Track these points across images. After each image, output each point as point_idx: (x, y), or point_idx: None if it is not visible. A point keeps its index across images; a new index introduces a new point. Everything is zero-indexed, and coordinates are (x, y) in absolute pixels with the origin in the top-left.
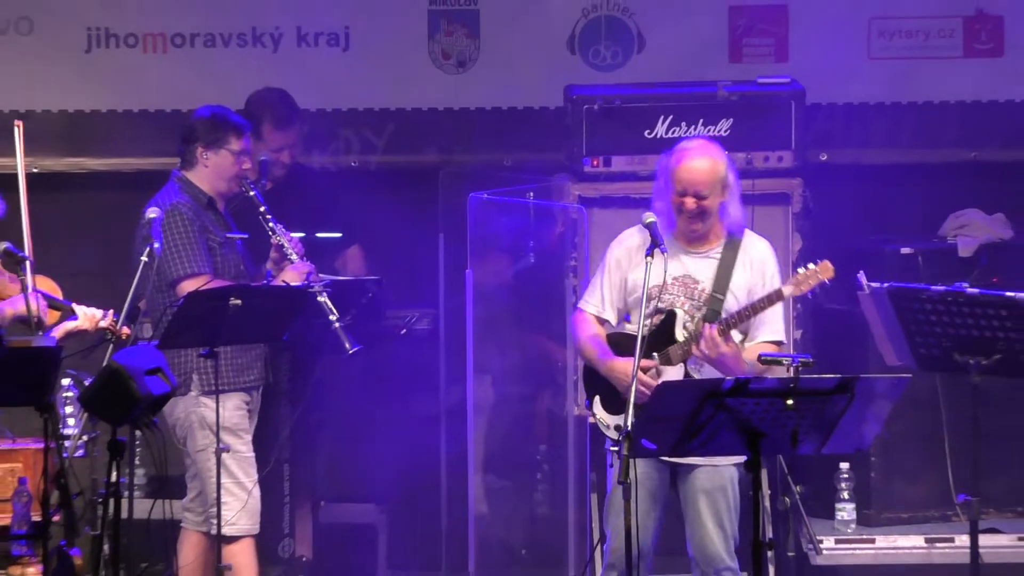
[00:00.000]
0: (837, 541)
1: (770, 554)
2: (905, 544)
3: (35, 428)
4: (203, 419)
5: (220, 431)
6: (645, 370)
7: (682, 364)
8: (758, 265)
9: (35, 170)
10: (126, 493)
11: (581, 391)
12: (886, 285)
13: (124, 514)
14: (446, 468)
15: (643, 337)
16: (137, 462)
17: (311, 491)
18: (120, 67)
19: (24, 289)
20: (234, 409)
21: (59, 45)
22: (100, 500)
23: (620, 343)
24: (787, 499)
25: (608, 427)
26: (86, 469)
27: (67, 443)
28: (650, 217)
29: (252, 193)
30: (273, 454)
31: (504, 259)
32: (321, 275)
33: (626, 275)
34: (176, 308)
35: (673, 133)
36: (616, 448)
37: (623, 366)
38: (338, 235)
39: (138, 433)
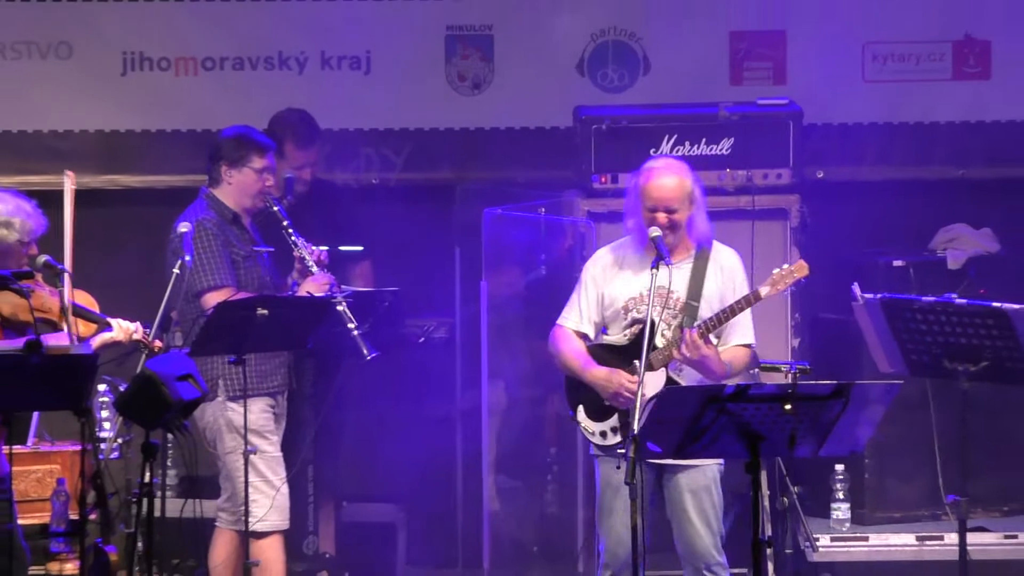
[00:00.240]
0: (833, 539)
1: (769, 551)
2: (897, 542)
3: (73, 431)
4: (230, 422)
5: (248, 433)
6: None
7: (663, 368)
8: (728, 273)
9: (73, 187)
10: (159, 493)
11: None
12: (879, 296)
13: (157, 513)
14: (462, 469)
15: (648, 343)
16: (169, 463)
17: (334, 491)
18: (153, 89)
19: (62, 301)
20: (260, 412)
21: (96, 69)
22: (134, 500)
23: (599, 355)
24: (785, 499)
25: (593, 434)
26: (121, 470)
27: (103, 445)
28: (655, 232)
29: (276, 208)
30: (298, 456)
31: (517, 271)
32: (343, 286)
33: (602, 291)
34: (206, 318)
35: (677, 152)
36: (600, 453)
37: (606, 374)
38: (359, 248)
39: (170, 436)
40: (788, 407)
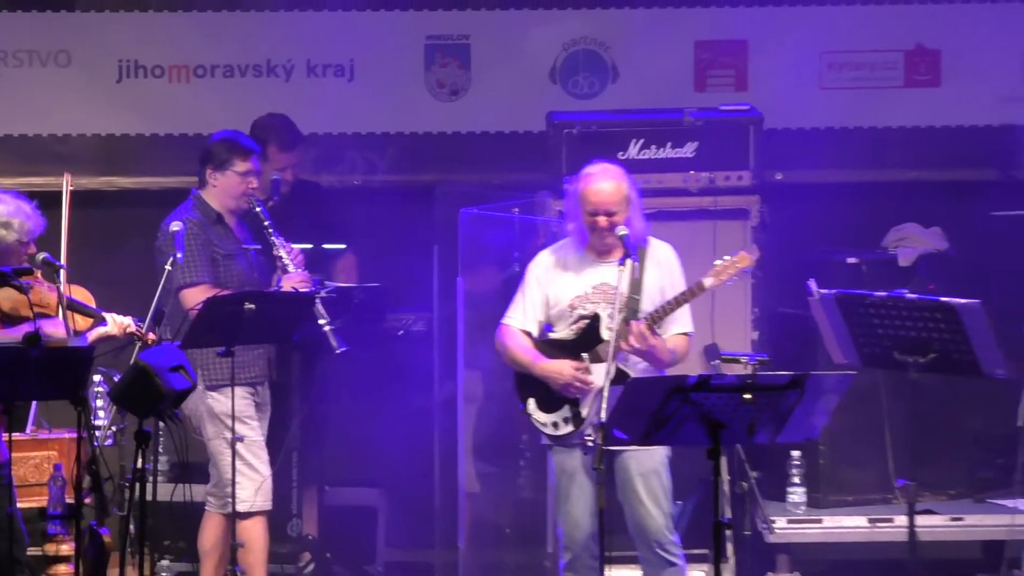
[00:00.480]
0: (789, 521)
1: (728, 533)
2: (850, 524)
3: (69, 420)
4: (211, 409)
5: (228, 419)
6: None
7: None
8: (665, 266)
9: (72, 188)
10: (151, 478)
11: None
12: (834, 291)
13: (149, 497)
14: (439, 456)
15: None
16: (160, 450)
17: (318, 476)
18: (148, 95)
19: (60, 296)
20: (239, 399)
21: (93, 76)
22: (127, 484)
23: (547, 350)
24: (744, 484)
25: (545, 424)
26: (115, 457)
27: (98, 433)
28: (622, 230)
29: (258, 209)
30: (284, 443)
31: (492, 268)
32: (327, 282)
33: (546, 291)
34: (198, 312)
35: (644, 155)
36: (551, 443)
37: (557, 366)
38: (343, 247)
39: (161, 424)
40: (748, 397)
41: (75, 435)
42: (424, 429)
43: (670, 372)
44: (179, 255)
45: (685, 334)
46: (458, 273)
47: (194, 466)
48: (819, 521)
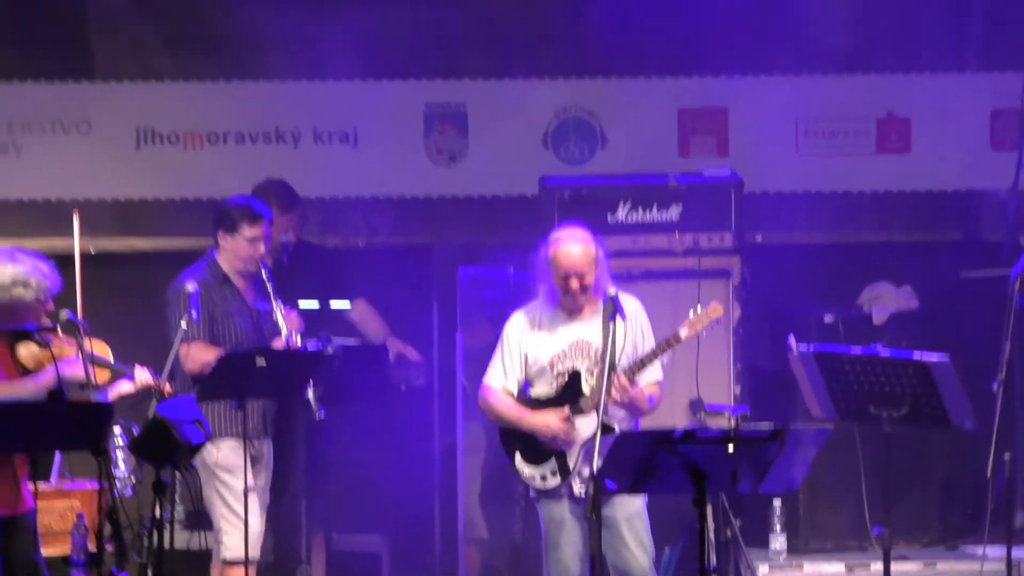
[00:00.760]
0: (771, 567)
1: None
2: (829, 570)
3: (91, 470)
4: (203, 459)
5: (218, 469)
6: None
7: (594, 412)
8: (634, 319)
9: (92, 251)
10: (168, 526)
11: None
12: (812, 348)
13: (166, 544)
14: (439, 503)
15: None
16: (177, 499)
17: (325, 523)
18: (164, 161)
19: (81, 351)
20: (229, 451)
21: (112, 143)
22: (146, 532)
23: (530, 408)
24: (728, 531)
25: (533, 478)
26: (134, 505)
27: (118, 483)
28: (612, 290)
29: (264, 272)
30: (290, 492)
31: (489, 324)
32: (335, 338)
33: (524, 350)
34: (213, 368)
35: (632, 218)
36: (537, 496)
37: (544, 419)
38: (348, 306)
39: (178, 475)
40: (731, 448)
41: (96, 485)
42: (425, 478)
43: (653, 423)
44: (194, 313)
45: (657, 383)
46: (457, 329)
47: (208, 515)
48: (800, 567)
